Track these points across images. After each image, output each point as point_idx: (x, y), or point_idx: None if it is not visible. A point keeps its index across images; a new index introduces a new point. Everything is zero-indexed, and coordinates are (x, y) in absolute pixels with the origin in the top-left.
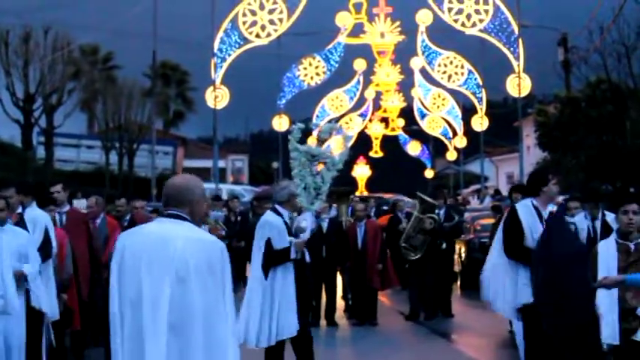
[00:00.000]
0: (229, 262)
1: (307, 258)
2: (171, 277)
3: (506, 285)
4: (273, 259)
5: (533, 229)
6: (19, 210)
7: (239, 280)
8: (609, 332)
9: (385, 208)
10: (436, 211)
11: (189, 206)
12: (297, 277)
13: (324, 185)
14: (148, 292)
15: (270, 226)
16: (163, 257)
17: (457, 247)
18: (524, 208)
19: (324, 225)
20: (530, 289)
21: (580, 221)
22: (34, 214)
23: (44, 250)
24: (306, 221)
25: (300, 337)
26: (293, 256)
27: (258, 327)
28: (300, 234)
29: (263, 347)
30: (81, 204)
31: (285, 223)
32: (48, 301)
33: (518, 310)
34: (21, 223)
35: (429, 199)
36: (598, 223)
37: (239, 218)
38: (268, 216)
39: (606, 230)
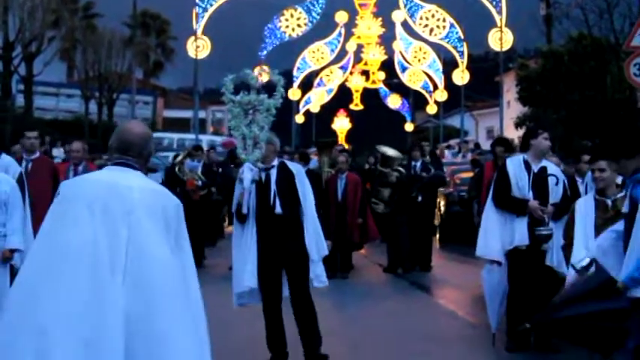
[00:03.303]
0: (184, 221)
1: (278, 210)
2: (129, 228)
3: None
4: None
5: (519, 180)
6: None
7: (217, 232)
8: None
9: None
10: (412, 163)
11: (145, 159)
12: (262, 231)
13: (262, 132)
14: (101, 242)
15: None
16: (117, 207)
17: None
18: (514, 161)
19: None
20: (516, 234)
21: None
22: (9, 160)
23: None
24: (244, 172)
25: (296, 299)
26: (233, 208)
27: (233, 284)
28: (240, 186)
29: (237, 305)
30: (59, 152)
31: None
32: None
33: (505, 254)
34: None
35: (388, 152)
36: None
37: (220, 170)
38: None
39: None
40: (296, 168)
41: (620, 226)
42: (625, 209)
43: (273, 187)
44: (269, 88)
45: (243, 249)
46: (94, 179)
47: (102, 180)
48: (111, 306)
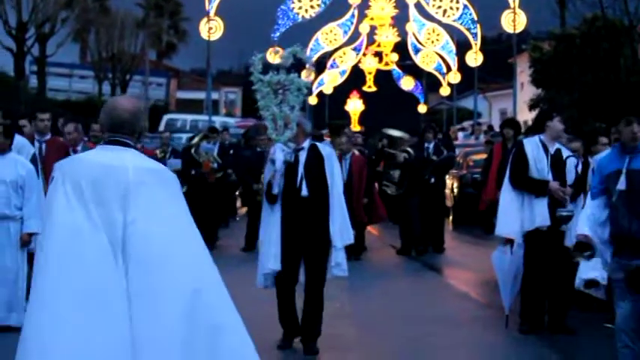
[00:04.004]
0: (182, 194)
1: (304, 192)
2: (125, 210)
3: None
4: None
5: (537, 161)
6: None
7: (230, 213)
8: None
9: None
10: (425, 145)
11: (136, 135)
12: (287, 213)
13: (293, 112)
14: (98, 224)
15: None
16: (113, 189)
17: (449, 182)
18: (531, 142)
19: None
20: (537, 215)
21: None
22: (22, 141)
23: None
24: (275, 153)
25: (311, 285)
26: (260, 187)
27: (259, 265)
28: (271, 166)
29: (261, 286)
30: None
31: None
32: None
33: (522, 236)
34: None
35: (394, 133)
36: None
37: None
38: None
39: None
40: (326, 151)
41: (593, 213)
42: (622, 186)
43: (300, 169)
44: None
45: (270, 230)
46: (88, 160)
47: (96, 160)
48: (114, 292)
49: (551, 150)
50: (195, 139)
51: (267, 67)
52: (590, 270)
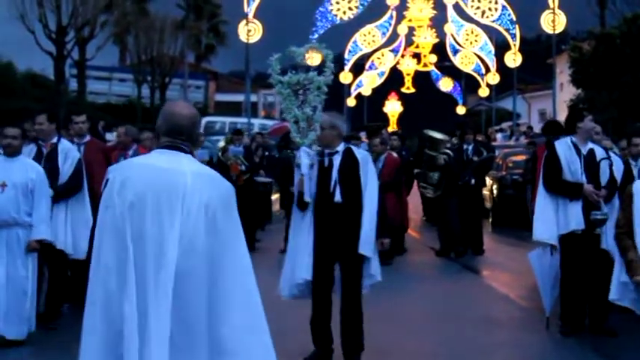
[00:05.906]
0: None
1: (337, 198)
2: (181, 216)
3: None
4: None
5: (571, 163)
6: (54, 140)
7: (266, 217)
8: None
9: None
10: (465, 146)
11: (194, 141)
12: (320, 220)
13: (316, 113)
14: (152, 232)
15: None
16: (171, 193)
17: (489, 183)
18: (562, 144)
19: None
20: (571, 218)
21: None
22: (68, 145)
23: (75, 181)
24: (301, 157)
25: (346, 295)
26: (295, 195)
27: (285, 274)
28: (298, 171)
29: (288, 296)
30: (114, 137)
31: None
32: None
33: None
34: (53, 152)
35: (436, 135)
36: None
37: (265, 153)
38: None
39: None
40: (362, 155)
41: None
42: None
43: (334, 174)
44: (319, 67)
45: (300, 238)
46: (145, 164)
47: (154, 164)
48: (156, 301)
49: (584, 151)
50: (222, 143)
51: (295, 68)
52: None
